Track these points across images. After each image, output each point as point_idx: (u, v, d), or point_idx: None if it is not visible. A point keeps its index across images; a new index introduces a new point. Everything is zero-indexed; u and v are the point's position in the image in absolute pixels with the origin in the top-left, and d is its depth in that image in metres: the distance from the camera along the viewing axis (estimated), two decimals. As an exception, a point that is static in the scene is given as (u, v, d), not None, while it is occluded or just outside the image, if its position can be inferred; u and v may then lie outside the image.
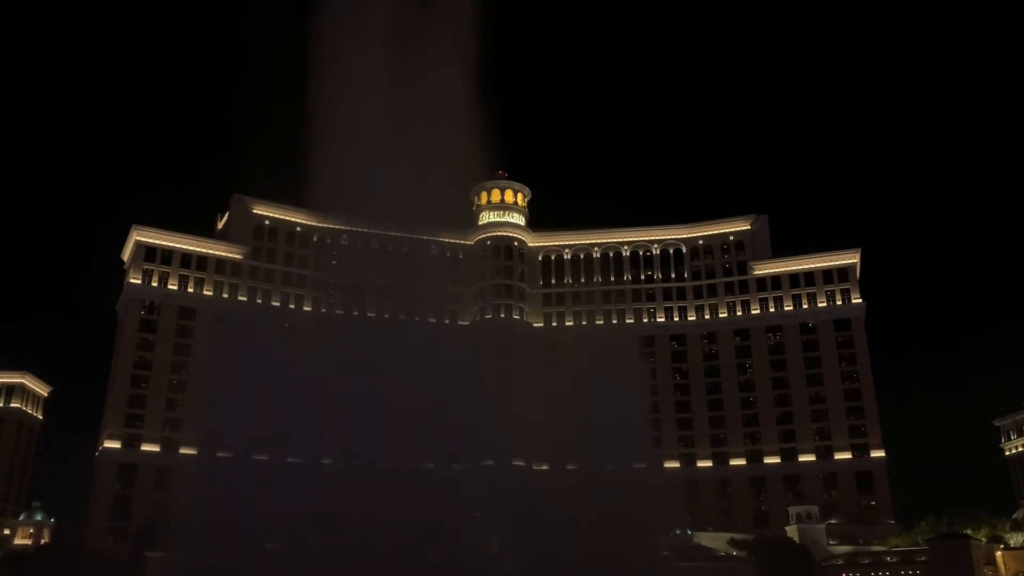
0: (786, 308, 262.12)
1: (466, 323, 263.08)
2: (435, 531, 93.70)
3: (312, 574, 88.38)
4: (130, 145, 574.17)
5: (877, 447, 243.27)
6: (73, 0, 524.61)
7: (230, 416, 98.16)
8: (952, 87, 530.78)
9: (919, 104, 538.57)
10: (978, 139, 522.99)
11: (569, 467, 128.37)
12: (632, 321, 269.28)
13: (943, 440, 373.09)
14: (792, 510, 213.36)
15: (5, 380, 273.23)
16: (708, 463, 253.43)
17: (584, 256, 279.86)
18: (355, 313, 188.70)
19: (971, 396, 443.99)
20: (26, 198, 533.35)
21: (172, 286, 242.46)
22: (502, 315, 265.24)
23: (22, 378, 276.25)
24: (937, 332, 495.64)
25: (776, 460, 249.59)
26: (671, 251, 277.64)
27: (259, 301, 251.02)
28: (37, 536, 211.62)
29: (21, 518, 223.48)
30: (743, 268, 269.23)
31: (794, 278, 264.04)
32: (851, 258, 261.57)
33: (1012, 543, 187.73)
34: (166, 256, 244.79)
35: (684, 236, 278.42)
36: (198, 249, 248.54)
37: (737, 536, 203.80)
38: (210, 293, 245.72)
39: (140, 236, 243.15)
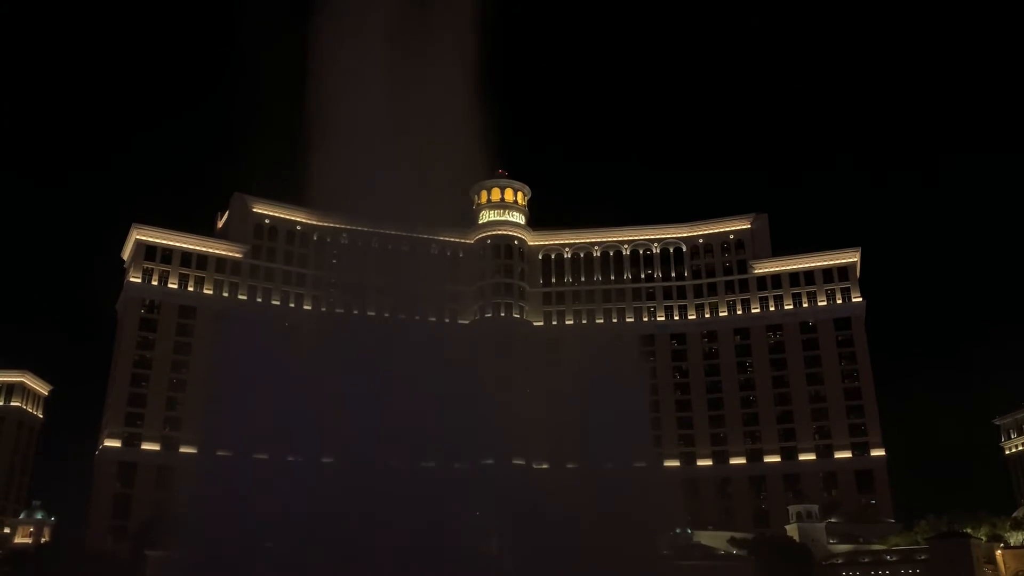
0: (786, 307, 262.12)
1: (466, 322, 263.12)
2: (435, 530, 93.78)
3: (312, 573, 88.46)
4: (130, 144, 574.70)
5: (877, 446, 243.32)
6: (73, 0, 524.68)
7: (230, 415, 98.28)
8: (951, 82, 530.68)
9: (918, 102, 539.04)
10: (978, 137, 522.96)
11: (569, 466, 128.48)
12: (632, 320, 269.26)
13: (943, 439, 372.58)
14: (792, 509, 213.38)
15: (5, 379, 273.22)
16: (708, 462, 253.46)
17: (584, 255, 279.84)
18: (355, 312, 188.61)
19: (971, 395, 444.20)
20: (26, 197, 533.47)
21: (172, 285, 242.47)
22: (502, 314, 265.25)
23: (22, 377, 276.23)
24: (937, 331, 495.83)
25: (776, 459, 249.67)
26: (671, 250, 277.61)
27: (259, 300, 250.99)
28: (37, 535, 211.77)
29: (21, 517, 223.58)
30: (743, 267, 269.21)
31: (794, 277, 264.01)
32: (851, 257, 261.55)
33: (1012, 542, 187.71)
34: (166, 255, 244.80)
35: (684, 235, 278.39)
36: (198, 248, 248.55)
37: (737, 535, 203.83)
38: (210, 292, 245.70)
39: (140, 235, 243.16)
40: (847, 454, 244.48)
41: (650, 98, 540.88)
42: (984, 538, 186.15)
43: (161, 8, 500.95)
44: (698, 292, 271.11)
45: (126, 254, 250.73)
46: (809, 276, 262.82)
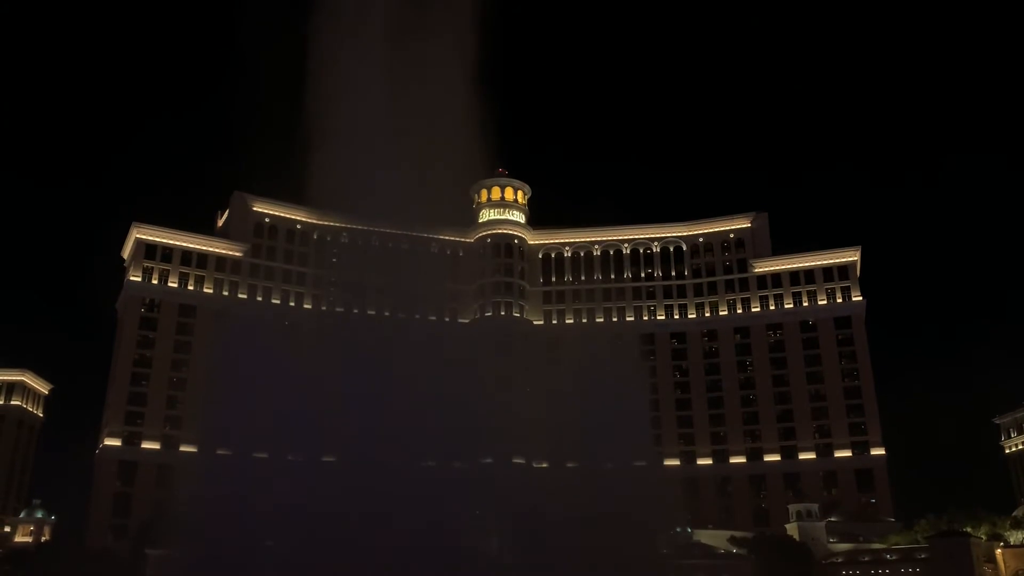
0: (786, 306, 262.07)
1: (466, 321, 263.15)
2: (435, 529, 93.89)
3: (312, 571, 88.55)
4: (130, 143, 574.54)
5: (877, 445, 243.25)
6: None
7: (230, 414, 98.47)
8: (952, 82, 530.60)
9: (919, 101, 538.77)
10: (979, 137, 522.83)
11: (569, 465, 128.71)
12: (632, 319, 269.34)
13: (943, 438, 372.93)
14: (792, 508, 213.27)
15: (5, 378, 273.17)
16: (708, 461, 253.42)
17: (584, 254, 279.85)
18: (355, 311, 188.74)
19: (971, 394, 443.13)
20: (26, 196, 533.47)
21: (172, 284, 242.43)
22: (502, 313, 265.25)
23: (22, 376, 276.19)
24: (937, 330, 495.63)
25: (776, 458, 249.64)
26: (671, 249, 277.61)
27: (259, 299, 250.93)
28: (38, 534, 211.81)
29: (22, 516, 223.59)
30: (743, 266, 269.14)
31: (794, 276, 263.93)
32: (851, 256, 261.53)
33: (1012, 541, 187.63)
34: (166, 254, 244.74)
35: (684, 234, 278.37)
36: (198, 247, 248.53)
37: (737, 534, 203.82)
38: (210, 291, 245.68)
39: (140, 234, 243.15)
40: (847, 453, 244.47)
41: (650, 97, 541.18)
42: (984, 537, 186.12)
43: (161, 8, 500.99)
44: (698, 291, 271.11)
45: (126, 253, 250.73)
46: (809, 275, 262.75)
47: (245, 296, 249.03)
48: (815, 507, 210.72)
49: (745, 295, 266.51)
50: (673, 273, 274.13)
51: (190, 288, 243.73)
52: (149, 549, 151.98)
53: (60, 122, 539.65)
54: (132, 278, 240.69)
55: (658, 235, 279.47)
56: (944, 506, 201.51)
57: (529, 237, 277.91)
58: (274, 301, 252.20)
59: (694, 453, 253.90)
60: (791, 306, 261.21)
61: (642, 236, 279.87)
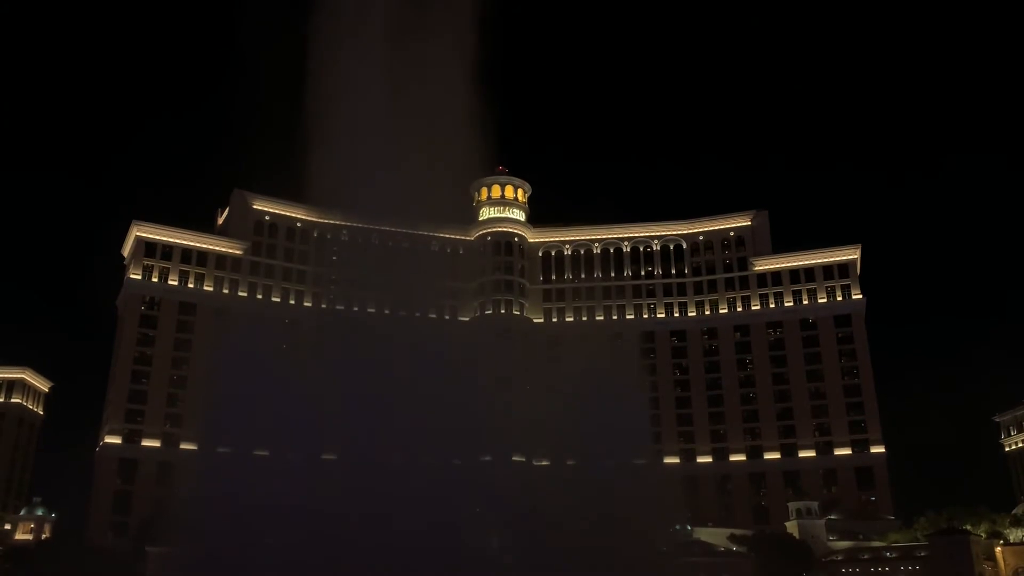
0: (786, 304, 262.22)
1: (466, 319, 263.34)
2: (435, 526, 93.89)
3: (312, 569, 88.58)
4: (130, 141, 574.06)
5: (877, 443, 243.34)
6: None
7: (230, 411, 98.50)
8: (953, 81, 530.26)
9: (920, 100, 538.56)
10: (979, 136, 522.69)
11: (569, 463, 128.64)
12: (632, 317, 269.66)
13: (943, 436, 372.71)
14: (792, 505, 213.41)
15: (6, 376, 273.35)
16: (708, 459, 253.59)
17: (584, 252, 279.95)
18: (355, 309, 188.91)
19: (971, 392, 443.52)
20: (26, 194, 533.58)
21: (172, 282, 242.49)
22: (502, 311, 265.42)
23: (23, 373, 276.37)
24: (937, 328, 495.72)
25: (776, 456, 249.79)
26: (671, 247, 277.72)
27: (259, 297, 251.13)
28: (38, 531, 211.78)
29: (22, 513, 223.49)
30: (743, 264, 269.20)
31: (794, 274, 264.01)
32: (851, 254, 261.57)
33: (1012, 539, 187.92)
34: (166, 252, 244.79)
35: (684, 232, 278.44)
36: (198, 245, 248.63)
37: (737, 531, 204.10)
38: (210, 289, 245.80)
39: (140, 232, 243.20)
40: (847, 451, 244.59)
41: (650, 95, 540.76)
42: (984, 535, 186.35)
43: (161, 7, 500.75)
44: (698, 289, 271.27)
45: (126, 251, 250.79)
46: (809, 273, 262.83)
47: (245, 294, 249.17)
48: (815, 505, 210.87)
49: (745, 293, 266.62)
50: (673, 271, 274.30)
51: (190, 286, 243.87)
52: (149, 547, 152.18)
53: (60, 121, 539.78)
54: (132, 276, 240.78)
55: (658, 233, 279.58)
56: (944, 504, 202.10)
57: (529, 235, 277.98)
58: (274, 299, 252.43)
59: (694, 451, 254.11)
60: (791, 304, 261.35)
61: (642, 234, 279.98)
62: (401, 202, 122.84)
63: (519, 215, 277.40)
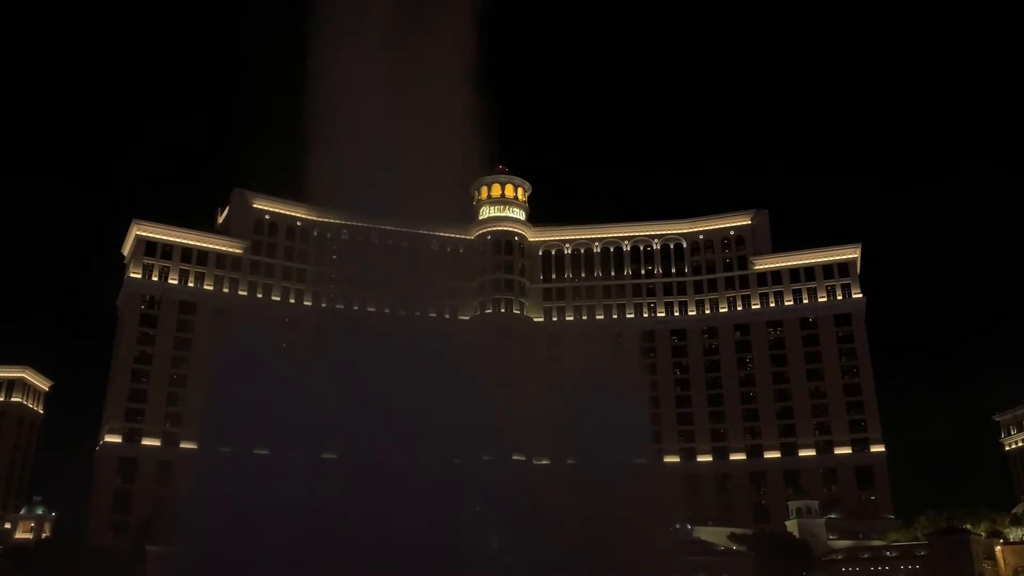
0: (786, 303, 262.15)
1: (466, 318, 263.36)
2: (435, 526, 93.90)
3: (312, 568, 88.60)
4: (130, 141, 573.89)
5: (877, 442, 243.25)
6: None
7: (230, 411, 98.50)
8: (954, 81, 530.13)
9: (921, 100, 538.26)
10: (980, 136, 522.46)
11: (569, 462, 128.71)
12: (632, 316, 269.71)
13: (943, 435, 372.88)
14: (792, 505, 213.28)
15: (6, 375, 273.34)
16: (708, 458, 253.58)
17: (584, 251, 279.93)
18: (355, 308, 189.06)
19: (971, 392, 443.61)
20: (26, 194, 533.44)
21: (172, 281, 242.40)
22: (502, 310, 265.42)
23: (23, 372, 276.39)
24: (937, 328, 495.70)
25: (776, 455, 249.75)
26: (671, 246, 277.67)
27: (259, 296, 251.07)
28: (38, 530, 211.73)
29: (22, 512, 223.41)
30: (743, 263, 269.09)
31: (794, 273, 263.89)
32: (852, 253, 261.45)
33: (1011, 538, 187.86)
34: (166, 251, 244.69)
35: (684, 231, 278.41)
36: (198, 244, 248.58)
37: (737, 530, 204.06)
38: (210, 288, 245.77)
39: (140, 231, 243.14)
40: (847, 450, 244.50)
41: (650, 94, 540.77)
42: (984, 534, 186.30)
43: (162, 7, 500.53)
44: (698, 288, 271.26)
45: (126, 250, 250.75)
46: (810, 272, 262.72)
47: (245, 293, 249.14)
48: (815, 504, 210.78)
49: (745, 292, 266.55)
50: (673, 270, 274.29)
51: (190, 285, 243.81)
52: (149, 546, 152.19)
53: (60, 120, 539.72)
54: (132, 275, 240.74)
55: (658, 232, 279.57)
56: (944, 503, 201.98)
57: (529, 234, 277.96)
58: (274, 298, 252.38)
59: (694, 450, 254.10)
60: (791, 303, 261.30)
61: (642, 233, 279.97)
62: (401, 201, 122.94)
63: (519, 214, 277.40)
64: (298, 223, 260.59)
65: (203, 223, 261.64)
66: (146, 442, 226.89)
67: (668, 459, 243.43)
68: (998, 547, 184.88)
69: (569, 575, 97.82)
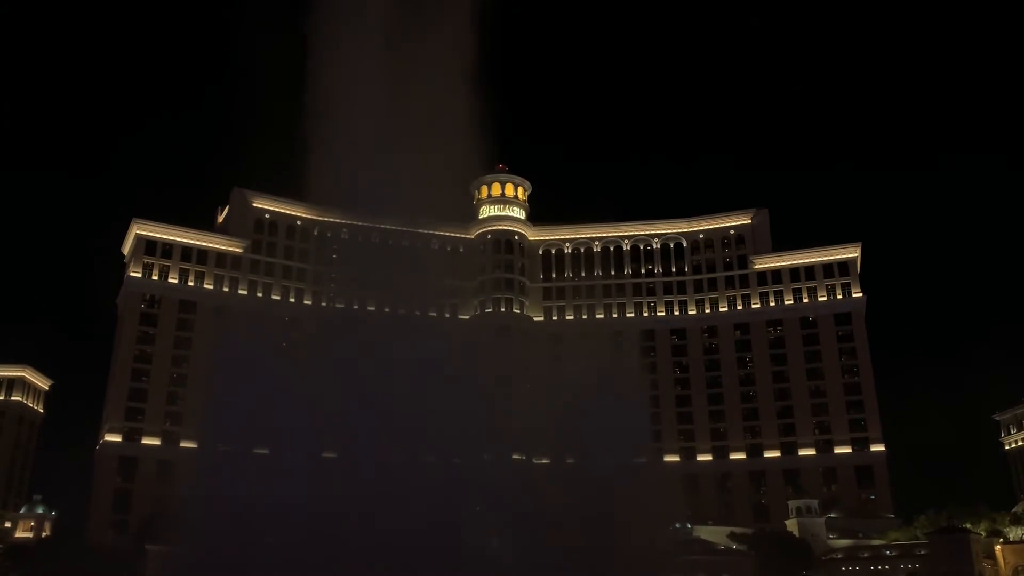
0: (786, 302, 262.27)
1: (466, 317, 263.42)
2: (435, 524, 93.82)
3: (312, 568, 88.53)
4: (130, 140, 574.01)
5: (877, 441, 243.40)
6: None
7: (230, 410, 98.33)
8: (954, 81, 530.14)
9: (921, 99, 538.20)
10: (980, 136, 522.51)
11: (569, 461, 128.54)
12: (632, 315, 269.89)
13: (943, 434, 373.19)
14: (792, 504, 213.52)
15: (6, 374, 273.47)
16: (708, 457, 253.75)
17: (584, 250, 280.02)
18: (355, 307, 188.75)
19: (971, 391, 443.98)
20: (26, 194, 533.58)
21: (172, 280, 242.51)
22: (502, 309, 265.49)
23: (23, 371, 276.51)
24: (937, 327, 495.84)
25: (776, 454, 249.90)
26: (671, 245, 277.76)
27: (259, 295, 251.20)
28: (38, 529, 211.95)
29: (22, 511, 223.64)
30: (743, 262, 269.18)
31: (794, 272, 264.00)
32: (852, 252, 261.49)
33: (1011, 537, 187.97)
34: (166, 250, 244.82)
35: (684, 230, 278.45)
36: (198, 243, 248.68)
37: (737, 530, 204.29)
38: (210, 287, 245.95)
39: (140, 230, 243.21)
40: (847, 449, 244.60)
41: (650, 94, 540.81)
42: (983, 533, 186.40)
43: (161, 6, 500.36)
44: (698, 287, 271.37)
45: (126, 249, 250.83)
46: (809, 271, 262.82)
47: (245, 292, 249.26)
48: (815, 503, 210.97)
49: (745, 291, 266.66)
50: (673, 269, 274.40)
51: (190, 284, 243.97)
52: (149, 545, 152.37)
53: (60, 119, 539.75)
54: (132, 274, 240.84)
55: (658, 231, 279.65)
56: (944, 502, 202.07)
57: (529, 233, 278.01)
58: (274, 297, 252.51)
59: (694, 449, 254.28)
60: (791, 302, 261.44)
61: (642, 232, 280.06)
62: (401, 200, 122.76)
63: (519, 213, 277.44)
64: (298, 222, 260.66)
65: (203, 222, 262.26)
66: (146, 441, 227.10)
67: (668, 458, 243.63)
68: (998, 546, 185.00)
69: (569, 575, 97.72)
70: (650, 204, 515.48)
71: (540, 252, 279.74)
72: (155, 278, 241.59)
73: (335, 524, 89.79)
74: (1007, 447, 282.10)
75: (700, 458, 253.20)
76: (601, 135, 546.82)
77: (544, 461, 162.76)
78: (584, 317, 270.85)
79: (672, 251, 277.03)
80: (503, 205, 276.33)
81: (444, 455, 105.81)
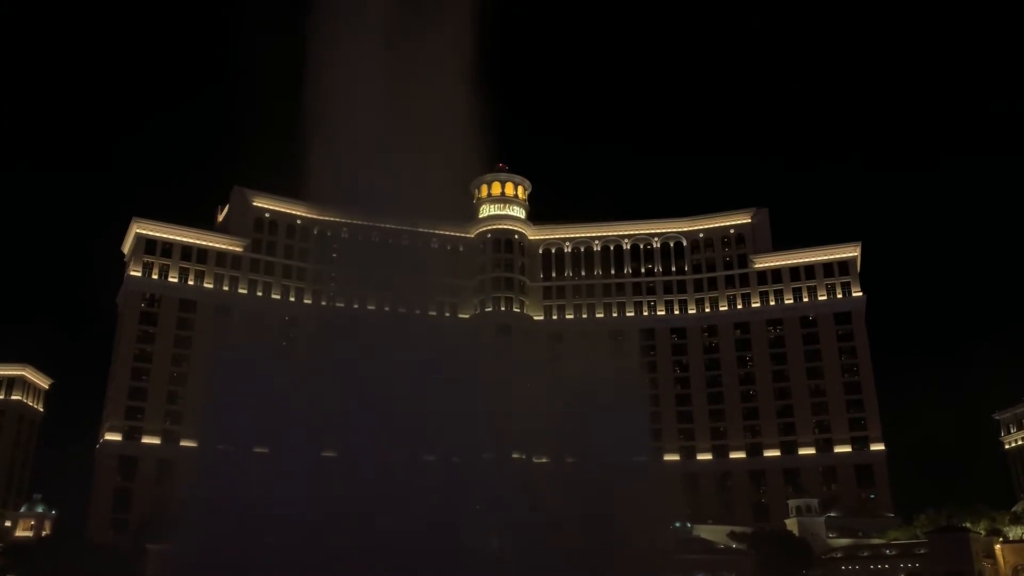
0: (786, 301, 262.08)
1: (466, 316, 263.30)
2: (435, 523, 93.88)
3: (311, 568, 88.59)
4: (131, 139, 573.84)
5: (877, 440, 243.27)
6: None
7: (230, 409, 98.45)
8: (954, 80, 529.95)
9: (921, 99, 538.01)
10: (980, 135, 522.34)
11: (569, 460, 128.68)
12: (632, 314, 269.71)
13: (942, 433, 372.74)
14: (792, 503, 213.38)
15: (6, 372, 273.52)
16: (708, 456, 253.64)
17: (584, 249, 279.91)
18: (355, 306, 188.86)
19: (971, 391, 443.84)
20: (26, 191, 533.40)
21: (172, 279, 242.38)
22: (502, 308, 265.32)
23: (23, 370, 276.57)
24: (937, 326, 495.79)
25: (776, 453, 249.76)
26: (671, 244, 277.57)
27: (259, 294, 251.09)
28: (38, 528, 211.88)
29: (22, 510, 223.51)
30: (743, 261, 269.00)
31: (794, 271, 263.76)
32: (852, 251, 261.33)
33: (1011, 536, 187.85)
34: (166, 249, 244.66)
35: (684, 229, 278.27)
36: (198, 242, 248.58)
37: (737, 529, 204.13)
38: (210, 286, 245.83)
39: (140, 229, 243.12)
40: (847, 448, 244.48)
41: (651, 93, 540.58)
42: (983, 532, 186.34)
43: (162, 5, 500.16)
44: (698, 286, 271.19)
45: (126, 248, 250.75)
46: (809, 270, 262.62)
47: (245, 291, 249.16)
48: (815, 502, 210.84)
49: (745, 290, 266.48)
50: (673, 268, 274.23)
51: (190, 283, 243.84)
52: (149, 544, 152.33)
53: (60, 118, 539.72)
54: (132, 273, 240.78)
55: (658, 231, 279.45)
56: (943, 501, 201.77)
57: (529, 232, 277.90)
58: (274, 296, 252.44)
59: (694, 448, 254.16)
60: (791, 301, 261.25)
61: (642, 232, 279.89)
62: (401, 199, 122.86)
63: (519, 212, 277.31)
64: (298, 221, 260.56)
65: (203, 221, 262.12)
66: (146, 440, 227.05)
67: (668, 457, 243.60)
68: (998, 545, 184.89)
69: (569, 574, 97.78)
70: (650, 203, 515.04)
71: (540, 251, 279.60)
72: (155, 277, 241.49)
73: (335, 524, 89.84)
74: (1007, 446, 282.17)
75: (700, 457, 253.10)
76: (601, 134, 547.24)
77: (544, 461, 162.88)
78: (584, 316, 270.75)
79: (672, 250, 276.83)
80: (503, 204, 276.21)
81: (444, 455, 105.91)
